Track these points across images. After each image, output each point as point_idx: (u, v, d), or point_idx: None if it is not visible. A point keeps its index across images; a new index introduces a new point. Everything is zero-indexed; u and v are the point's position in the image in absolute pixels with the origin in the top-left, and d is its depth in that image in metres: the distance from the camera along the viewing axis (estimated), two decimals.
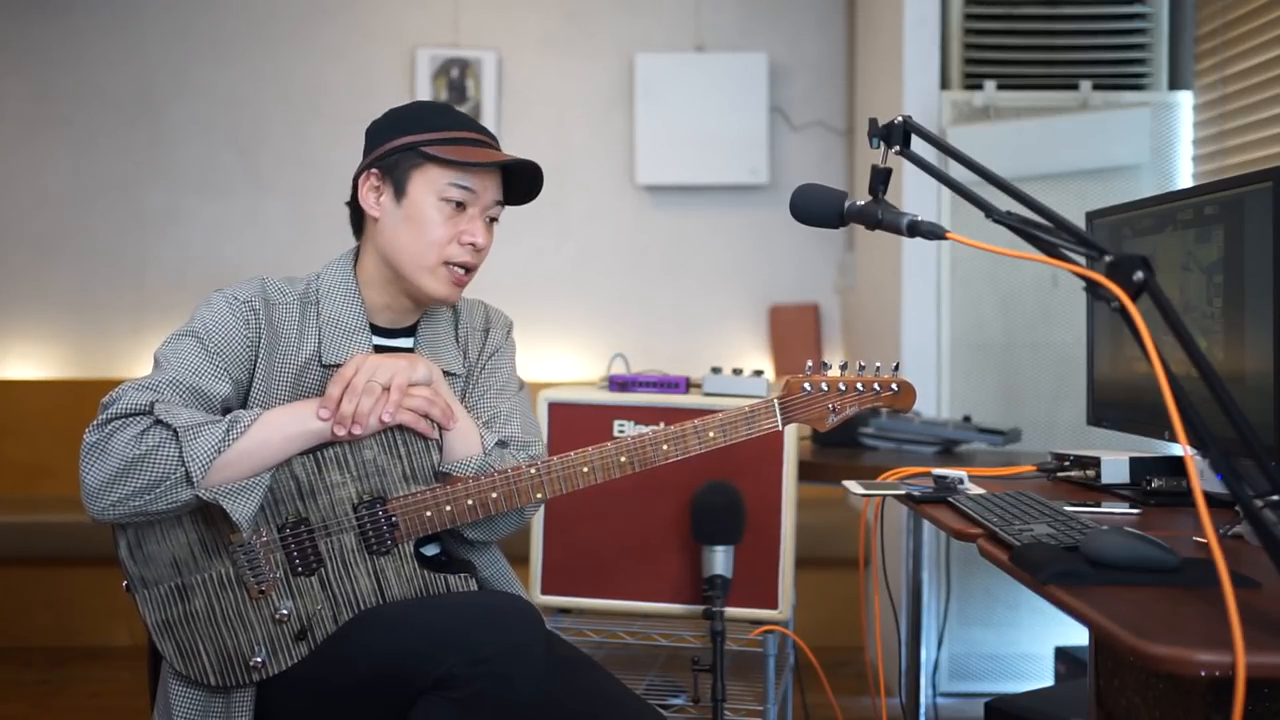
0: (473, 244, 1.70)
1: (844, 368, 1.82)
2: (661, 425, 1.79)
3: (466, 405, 1.80)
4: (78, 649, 3.92)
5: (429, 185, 1.69)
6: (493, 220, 1.75)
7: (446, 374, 1.77)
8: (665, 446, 1.73)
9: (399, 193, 1.70)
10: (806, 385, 1.79)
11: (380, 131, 1.74)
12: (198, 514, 1.59)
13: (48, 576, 3.95)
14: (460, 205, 1.70)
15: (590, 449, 1.70)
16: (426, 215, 1.69)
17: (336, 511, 1.63)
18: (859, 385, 1.81)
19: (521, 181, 1.77)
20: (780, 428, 1.79)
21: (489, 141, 1.74)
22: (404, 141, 1.70)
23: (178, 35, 4.47)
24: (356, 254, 1.79)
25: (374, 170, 1.72)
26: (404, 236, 1.70)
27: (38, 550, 3.91)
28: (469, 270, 1.73)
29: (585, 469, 1.70)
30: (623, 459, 1.71)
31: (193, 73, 4.47)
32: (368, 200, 1.73)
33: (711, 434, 1.75)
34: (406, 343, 1.79)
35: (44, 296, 4.46)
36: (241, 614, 1.61)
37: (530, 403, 1.89)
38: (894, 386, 1.81)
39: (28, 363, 4.43)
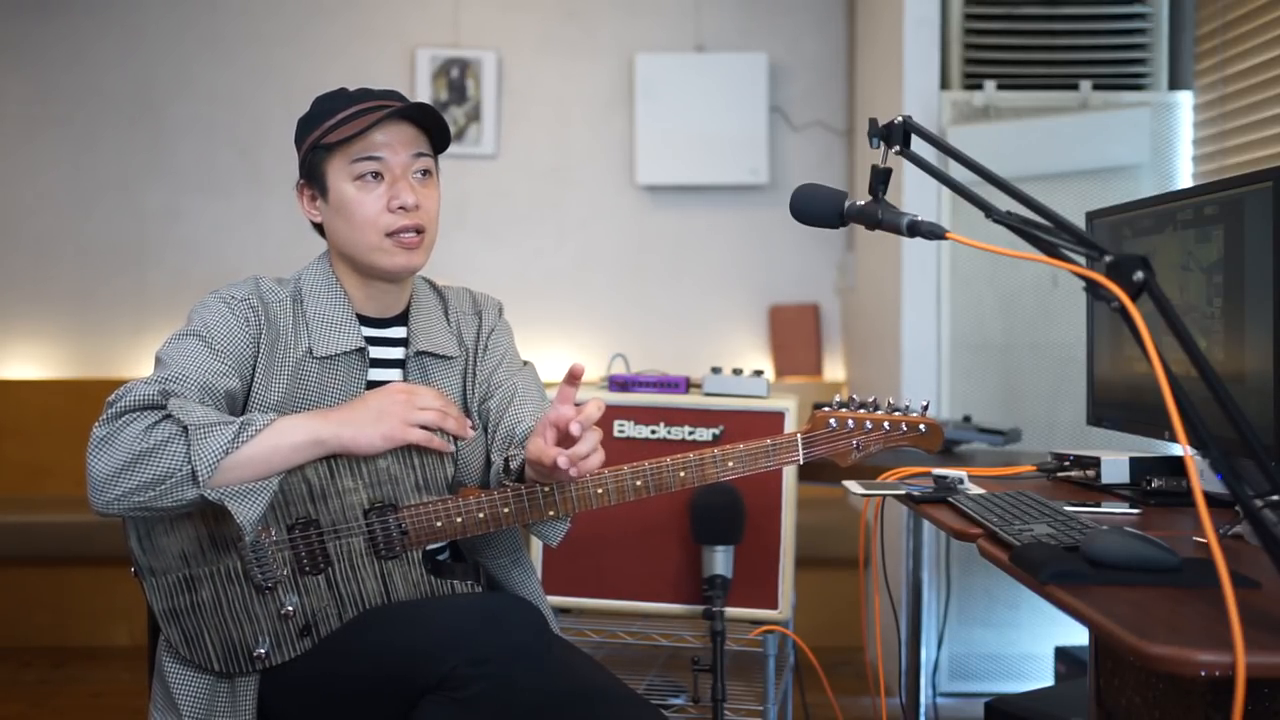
0: (402, 206, 1.69)
1: (873, 403, 1.80)
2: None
3: (475, 384, 1.81)
4: (78, 649, 3.92)
5: (340, 172, 1.70)
6: (426, 174, 1.73)
7: (443, 358, 1.79)
8: (683, 474, 1.73)
9: (323, 191, 1.73)
10: (832, 421, 1.78)
11: (297, 142, 1.78)
12: (207, 509, 1.59)
13: (48, 576, 3.95)
14: (377, 175, 1.70)
15: (606, 471, 1.69)
16: (350, 199, 1.70)
17: (347, 516, 1.64)
18: (886, 424, 1.79)
19: (441, 128, 1.75)
20: (802, 462, 1.78)
21: (387, 103, 1.72)
22: (308, 143, 1.73)
23: (178, 35, 4.47)
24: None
25: (301, 180, 1.77)
26: (343, 229, 1.72)
27: (38, 550, 3.91)
28: (419, 232, 1.71)
29: (599, 490, 1.70)
30: (639, 483, 1.71)
31: (193, 73, 4.47)
32: (307, 210, 1.78)
33: (731, 464, 1.75)
34: (399, 331, 1.79)
35: (44, 296, 4.46)
36: (247, 607, 1.62)
37: (540, 382, 1.88)
38: (922, 427, 1.80)
39: (28, 363, 4.43)
